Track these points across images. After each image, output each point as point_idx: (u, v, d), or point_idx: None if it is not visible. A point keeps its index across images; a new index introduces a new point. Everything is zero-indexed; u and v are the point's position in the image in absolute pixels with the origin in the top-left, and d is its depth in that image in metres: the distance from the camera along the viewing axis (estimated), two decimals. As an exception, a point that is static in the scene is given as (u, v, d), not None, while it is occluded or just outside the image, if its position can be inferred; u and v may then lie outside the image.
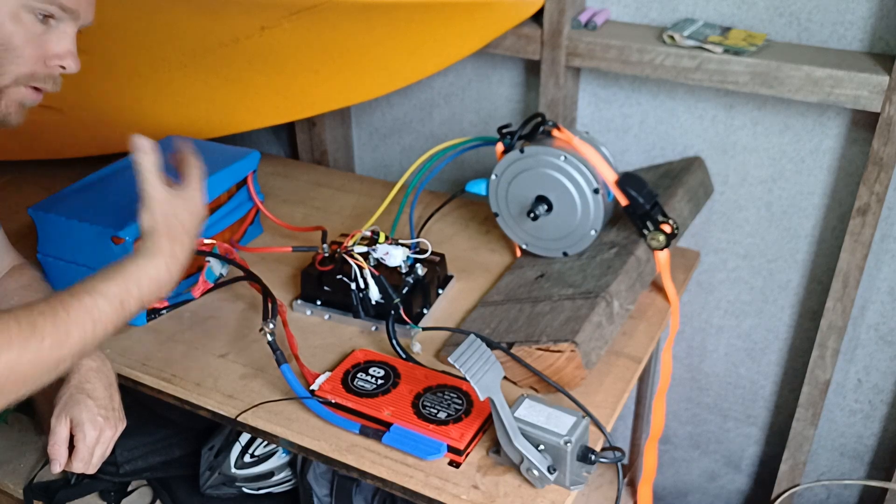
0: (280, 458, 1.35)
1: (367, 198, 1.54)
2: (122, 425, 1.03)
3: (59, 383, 1.02)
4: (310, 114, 1.56)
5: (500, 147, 1.22)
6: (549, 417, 0.91)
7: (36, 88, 0.92)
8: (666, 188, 1.30)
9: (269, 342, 1.01)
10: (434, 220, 1.41)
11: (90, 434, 0.98)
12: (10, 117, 0.91)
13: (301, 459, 1.30)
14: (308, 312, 1.21)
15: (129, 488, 1.39)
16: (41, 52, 0.89)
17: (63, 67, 0.92)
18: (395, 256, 1.15)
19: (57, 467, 0.96)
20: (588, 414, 0.98)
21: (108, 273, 0.86)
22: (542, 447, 0.90)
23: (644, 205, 1.15)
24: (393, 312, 1.11)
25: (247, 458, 1.33)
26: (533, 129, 1.20)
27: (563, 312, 1.07)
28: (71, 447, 0.98)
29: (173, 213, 0.92)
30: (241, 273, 1.19)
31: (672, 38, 1.27)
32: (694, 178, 1.35)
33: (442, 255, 1.25)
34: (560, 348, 1.00)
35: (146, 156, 0.91)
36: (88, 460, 0.98)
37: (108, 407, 1.01)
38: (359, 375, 1.04)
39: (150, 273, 0.88)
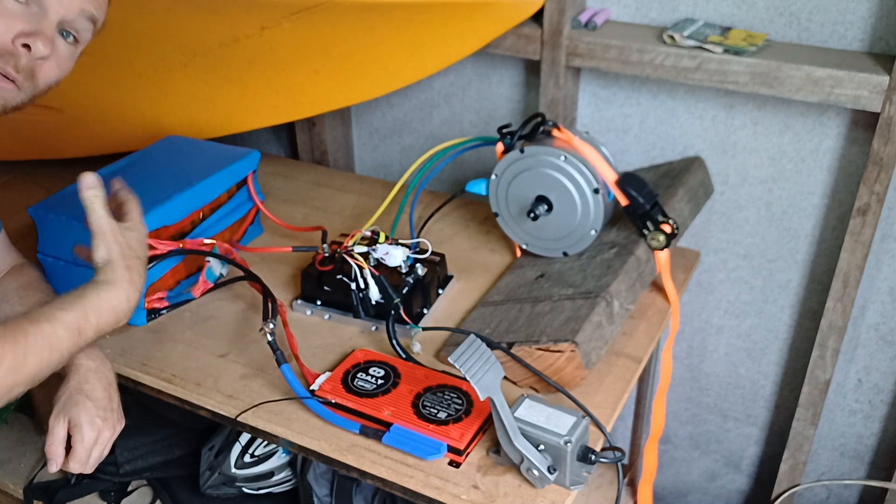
0: (280, 458, 1.35)
1: (367, 198, 1.54)
2: (120, 426, 1.03)
3: (58, 383, 1.02)
4: (310, 114, 1.56)
5: (500, 147, 1.22)
6: (549, 417, 0.91)
7: (5, 76, 0.88)
8: (666, 188, 1.30)
9: (269, 342, 1.01)
10: (434, 220, 1.41)
11: (88, 435, 0.98)
12: None
13: (301, 459, 1.30)
14: (308, 312, 1.21)
15: (129, 488, 1.39)
16: (7, 24, 0.86)
17: (28, 48, 0.88)
18: (395, 256, 1.15)
19: (54, 467, 0.96)
20: (588, 414, 0.98)
21: (67, 301, 0.86)
22: (542, 447, 0.90)
23: (644, 205, 1.15)
24: (393, 312, 1.11)
25: (247, 458, 1.33)
26: (533, 129, 1.20)
27: (563, 312, 1.07)
28: (69, 447, 0.98)
29: (126, 243, 0.92)
30: (241, 273, 1.19)
31: (672, 38, 1.27)
32: (694, 178, 1.35)
33: (442, 255, 1.25)
34: (560, 348, 1.00)
35: (93, 191, 0.90)
36: (85, 461, 0.98)
37: (106, 408, 1.01)
38: (359, 375, 1.04)
39: (110, 302, 0.88)
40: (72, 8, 0.91)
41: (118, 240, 0.91)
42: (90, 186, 0.90)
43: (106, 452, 1.01)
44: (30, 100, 0.94)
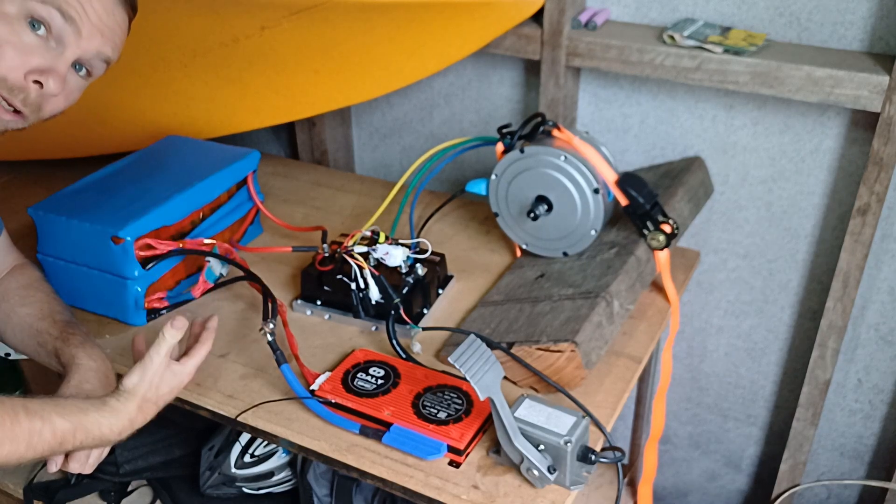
0: (280, 458, 1.35)
1: (367, 198, 1.54)
2: None
3: (59, 382, 1.02)
4: (310, 114, 1.56)
5: (500, 147, 1.22)
6: (549, 417, 0.91)
7: (12, 109, 0.87)
8: (666, 188, 1.30)
9: (269, 342, 1.01)
10: (434, 220, 1.41)
11: None
12: None
13: (301, 459, 1.30)
14: (308, 312, 1.21)
15: (129, 488, 1.39)
16: (22, 60, 0.85)
17: (39, 84, 0.87)
18: (395, 256, 1.15)
19: (53, 467, 0.96)
20: (588, 414, 0.98)
21: (68, 407, 0.87)
22: (542, 447, 0.90)
23: (644, 205, 1.15)
24: (393, 312, 1.11)
25: (247, 458, 1.33)
26: (533, 129, 1.20)
27: (564, 312, 1.07)
28: None
29: (158, 383, 0.93)
30: (241, 273, 1.19)
31: (672, 38, 1.27)
32: (694, 178, 1.35)
33: (442, 255, 1.25)
34: (560, 348, 1.00)
35: (175, 332, 0.92)
36: (85, 461, 0.98)
37: None
38: (359, 375, 1.04)
39: (103, 429, 0.89)
40: (90, 49, 0.90)
41: (153, 380, 0.92)
42: (178, 328, 0.92)
43: (105, 453, 1.01)
44: (30, 125, 0.93)
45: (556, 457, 0.89)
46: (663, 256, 1.19)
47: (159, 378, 0.93)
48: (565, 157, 1.14)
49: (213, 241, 1.20)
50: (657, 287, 1.25)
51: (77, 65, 0.92)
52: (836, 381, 1.48)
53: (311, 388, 1.03)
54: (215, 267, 1.22)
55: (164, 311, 1.20)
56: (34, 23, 0.85)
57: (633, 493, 1.56)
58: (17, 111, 0.88)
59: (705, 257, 1.49)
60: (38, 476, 1.36)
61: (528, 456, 0.88)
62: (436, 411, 0.98)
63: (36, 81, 0.87)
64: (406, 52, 1.39)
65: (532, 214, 1.17)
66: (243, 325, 1.19)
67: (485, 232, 1.41)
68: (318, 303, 1.20)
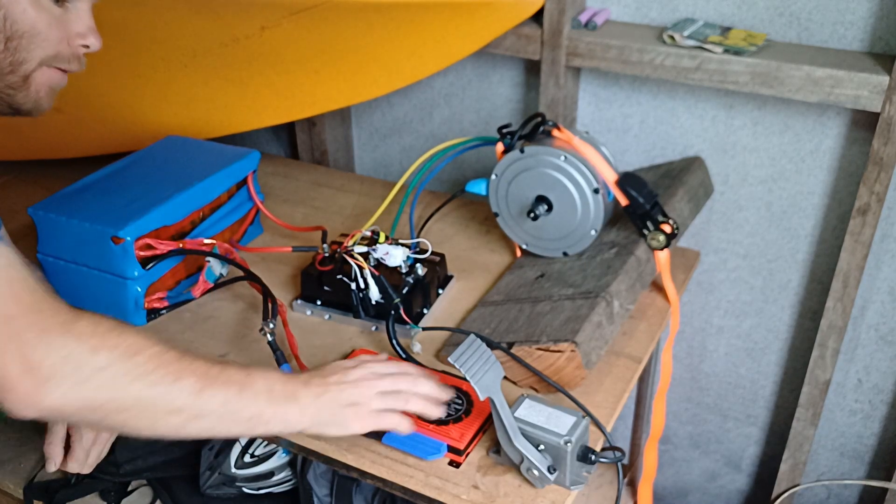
0: (280, 458, 1.35)
1: (367, 198, 1.54)
2: None
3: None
4: (310, 114, 1.56)
5: (500, 147, 1.22)
6: (549, 417, 0.91)
7: (62, 70, 0.90)
8: (666, 188, 1.30)
9: (269, 342, 1.01)
10: (434, 220, 1.41)
11: (87, 435, 0.98)
12: (41, 102, 0.89)
13: (301, 459, 1.30)
14: (308, 312, 1.21)
15: (129, 488, 1.39)
16: (64, 33, 0.87)
17: (87, 46, 0.90)
18: (395, 256, 1.15)
19: (52, 466, 0.96)
20: (588, 414, 0.98)
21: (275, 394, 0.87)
22: (542, 447, 0.90)
23: (644, 205, 1.15)
24: (393, 312, 1.11)
25: (247, 458, 1.33)
26: (533, 129, 1.20)
27: (563, 312, 1.07)
28: (68, 447, 0.98)
29: (372, 388, 0.91)
30: (241, 273, 1.19)
31: (672, 38, 1.27)
32: (694, 178, 1.35)
33: (442, 255, 1.25)
34: (560, 348, 1.00)
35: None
36: (84, 461, 0.98)
37: None
38: (359, 375, 1.04)
39: (288, 416, 0.87)
40: None
41: (378, 385, 0.91)
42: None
43: (104, 453, 1.01)
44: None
45: (556, 457, 0.89)
46: (663, 256, 1.19)
47: (382, 383, 0.91)
48: (565, 157, 1.14)
49: (213, 241, 1.20)
50: (657, 287, 1.25)
51: None
52: (836, 381, 1.48)
53: (311, 388, 1.03)
54: (215, 267, 1.22)
55: (164, 311, 1.20)
56: None
57: (633, 493, 1.56)
58: (65, 71, 0.91)
59: (705, 257, 1.49)
60: (38, 476, 1.36)
61: (528, 456, 0.88)
62: (436, 411, 0.98)
63: (83, 45, 0.89)
64: (406, 52, 1.39)
65: (532, 214, 1.17)
66: (243, 325, 1.19)
67: (485, 232, 1.41)
68: (318, 303, 1.20)
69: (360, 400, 0.89)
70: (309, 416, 0.87)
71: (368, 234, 1.19)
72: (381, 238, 1.17)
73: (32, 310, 0.74)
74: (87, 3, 0.90)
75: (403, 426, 0.91)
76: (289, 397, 0.87)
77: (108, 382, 0.76)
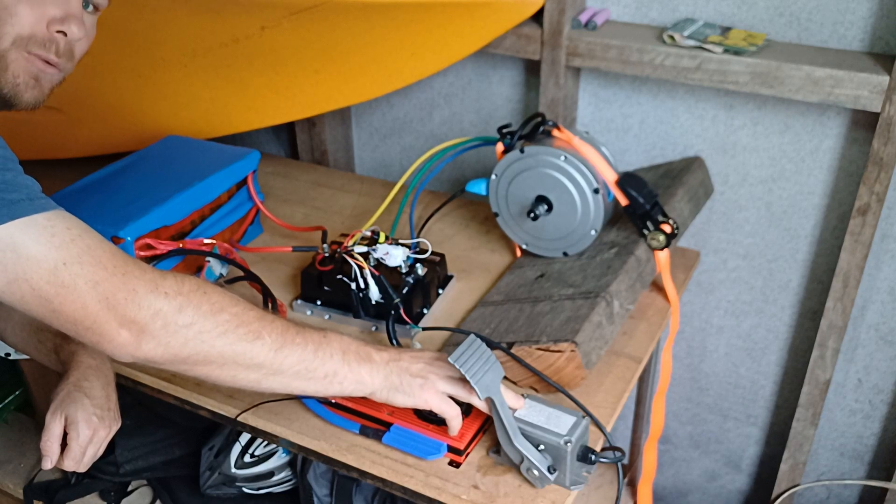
0: (280, 458, 1.35)
1: (367, 198, 1.54)
2: (116, 425, 1.02)
3: (58, 379, 1.02)
4: (310, 114, 1.56)
5: (500, 147, 1.22)
6: (549, 417, 0.91)
7: (47, 62, 0.88)
8: (666, 188, 1.30)
9: (269, 342, 1.01)
10: (434, 220, 1.41)
11: (84, 433, 0.97)
12: (19, 89, 0.87)
13: (301, 459, 1.30)
14: (308, 312, 1.21)
15: (129, 488, 1.39)
16: (40, 13, 0.85)
17: (64, 34, 0.87)
18: (395, 256, 1.15)
19: (48, 464, 0.96)
20: (588, 414, 0.98)
21: (352, 359, 0.90)
22: (542, 447, 0.90)
23: (644, 205, 1.15)
24: (393, 312, 1.11)
25: (247, 458, 1.33)
26: (533, 129, 1.20)
27: (563, 312, 1.07)
28: (64, 444, 0.98)
29: (440, 386, 0.93)
30: (241, 273, 1.20)
31: (672, 38, 1.27)
32: (694, 178, 1.35)
33: (442, 255, 1.25)
34: (560, 348, 1.00)
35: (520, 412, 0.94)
36: (80, 459, 0.98)
37: (103, 406, 1.01)
38: (359, 375, 1.04)
39: (362, 375, 0.91)
40: None
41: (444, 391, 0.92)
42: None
43: (101, 452, 1.01)
44: (67, 75, 0.94)
45: (556, 457, 0.89)
46: (663, 256, 1.19)
47: (445, 385, 0.93)
48: (565, 157, 1.14)
49: (213, 241, 1.20)
50: (657, 287, 1.25)
51: (84, 3, 0.92)
52: (836, 381, 1.48)
53: (311, 388, 1.03)
54: (215, 267, 1.22)
55: (164, 311, 1.20)
56: None
57: (633, 493, 1.56)
58: (53, 65, 0.89)
59: (705, 257, 1.49)
60: (38, 476, 1.36)
61: (528, 456, 0.88)
62: (436, 411, 0.98)
63: (59, 31, 0.88)
64: (406, 52, 1.39)
65: (532, 214, 1.17)
66: (243, 325, 1.18)
67: (485, 232, 1.41)
68: (318, 303, 1.20)
69: (429, 376, 0.92)
70: (380, 377, 0.91)
71: (368, 234, 1.19)
72: (381, 238, 1.17)
73: (117, 272, 0.78)
74: None
75: (457, 422, 0.93)
76: (363, 359, 0.91)
77: (194, 338, 0.81)
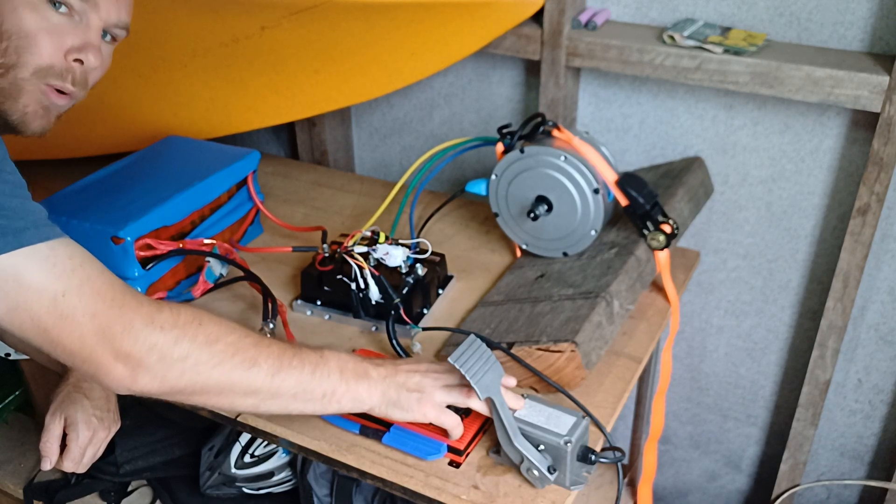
0: (280, 458, 1.35)
1: (367, 198, 1.54)
2: (115, 427, 1.02)
3: (57, 381, 1.02)
4: (310, 114, 1.56)
5: (500, 147, 1.22)
6: (549, 417, 0.91)
7: (60, 92, 0.88)
8: (666, 188, 1.30)
9: (269, 342, 1.01)
10: (434, 220, 1.41)
11: (83, 434, 0.98)
12: (28, 118, 0.88)
13: (301, 459, 1.30)
14: (308, 312, 1.21)
15: (129, 488, 1.39)
16: (59, 43, 0.86)
17: (80, 62, 0.88)
18: (395, 256, 1.15)
19: (47, 465, 0.96)
20: (588, 414, 0.98)
21: (352, 374, 0.91)
22: (542, 447, 0.90)
23: (644, 205, 1.15)
24: (393, 312, 1.11)
25: (247, 458, 1.33)
26: (533, 129, 1.20)
27: (563, 312, 1.07)
28: (64, 445, 0.98)
29: (439, 401, 0.93)
30: (241, 273, 1.20)
31: (672, 38, 1.27)
32: (694, 178, 1.35)
33: (442, 255, 1.25)
34: (560, 348, 1.00)
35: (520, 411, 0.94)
36: (79, 460, 0.98)
37: (103, 408, 1.01)
38: (359, 375, 1.04)
39: (360, 392, 0.91)
40: (110, 18, 0.91)
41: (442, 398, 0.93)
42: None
43: (100, 452, 1.01)
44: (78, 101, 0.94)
45: (556, 457, 0.89)
46: (663, 256, 1.19)
47: (444, 392, 0.93)
48: (565, 158, 1.14)
49: (213, 241, 1.20)
50: (657, 287, 1.25)
51: (103, 33, 0.93)
52: (836, 381, 1.48)
53: (311, 388, 1.02)
54: (215, 267, 1.22)
55: (164, 311, 1.20)
56: (55, 3, 0.86)
57: (633, 493, 1.56)
58: (66, 94, 0.90)
59: (705, 257, 1.49)
60: (38, 476, 1.36)
61: (528, 456, 0.88)
62: (436, 411, 0.98)
63: (76, 60, 0.88)
64: (406, 52, 1.39)
65: (532, 214, 1.17)
66: (243, 325, 1.18)
67: (485, 232, 1.41)
68: (318, 303, 1.20)
69: (426, 389, 0.92)
70: (378, 393, 0.91)
71: (368, 234, 1.19)
72: (381, 238, 1.17)
73: (115, 305, 0.78)
74: (97, 18, 0.88)
75: (458, 431, 0.94)
76: (360, 375, 0.91)
77: (190, 370, 0.81)
